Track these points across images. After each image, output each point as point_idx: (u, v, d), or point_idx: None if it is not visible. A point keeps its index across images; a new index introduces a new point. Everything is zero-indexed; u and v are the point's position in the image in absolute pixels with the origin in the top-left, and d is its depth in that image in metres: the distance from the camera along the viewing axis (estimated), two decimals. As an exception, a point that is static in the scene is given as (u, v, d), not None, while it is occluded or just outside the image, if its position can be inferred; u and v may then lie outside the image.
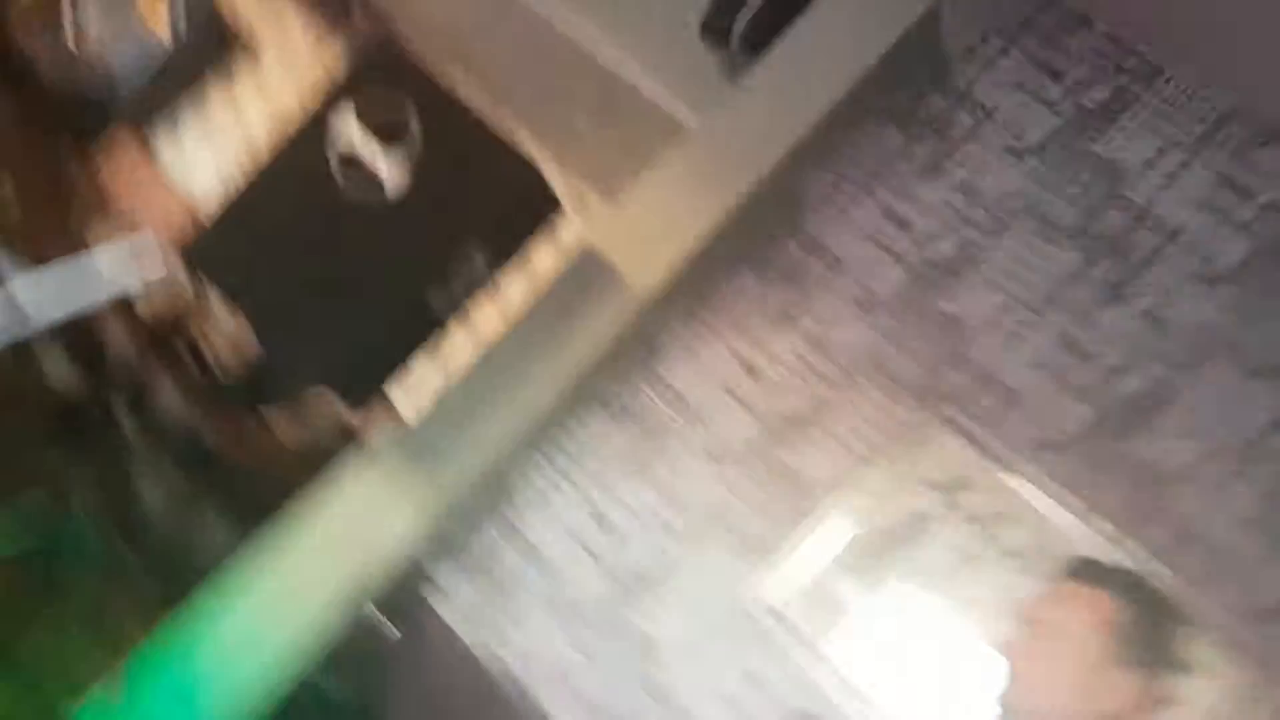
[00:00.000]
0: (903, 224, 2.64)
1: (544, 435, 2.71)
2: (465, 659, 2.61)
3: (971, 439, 2.43)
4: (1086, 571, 1.46)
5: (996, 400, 2.47)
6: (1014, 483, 2.38)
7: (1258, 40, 2.20)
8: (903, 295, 2.59)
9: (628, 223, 2.62)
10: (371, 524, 2.40)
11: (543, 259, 3.24)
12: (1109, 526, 2.27)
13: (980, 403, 2.47)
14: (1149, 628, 1.39)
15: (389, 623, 2.53)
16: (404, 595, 2.59)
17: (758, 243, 2.72)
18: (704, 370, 2.70)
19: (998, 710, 1.38)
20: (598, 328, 2.49)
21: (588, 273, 2.53)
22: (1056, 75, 2.58)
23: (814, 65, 2.50)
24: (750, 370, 2.67)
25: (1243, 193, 2.40)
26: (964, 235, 2.58)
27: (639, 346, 2.72)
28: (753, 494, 2.58)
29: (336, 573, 2.35)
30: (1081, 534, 2.27)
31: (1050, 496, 2.35)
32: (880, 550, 2.43)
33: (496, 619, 2.66)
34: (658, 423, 2.69)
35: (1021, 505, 2.36)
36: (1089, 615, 1.37)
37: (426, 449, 2.46)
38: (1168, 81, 2.49)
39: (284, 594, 2.38)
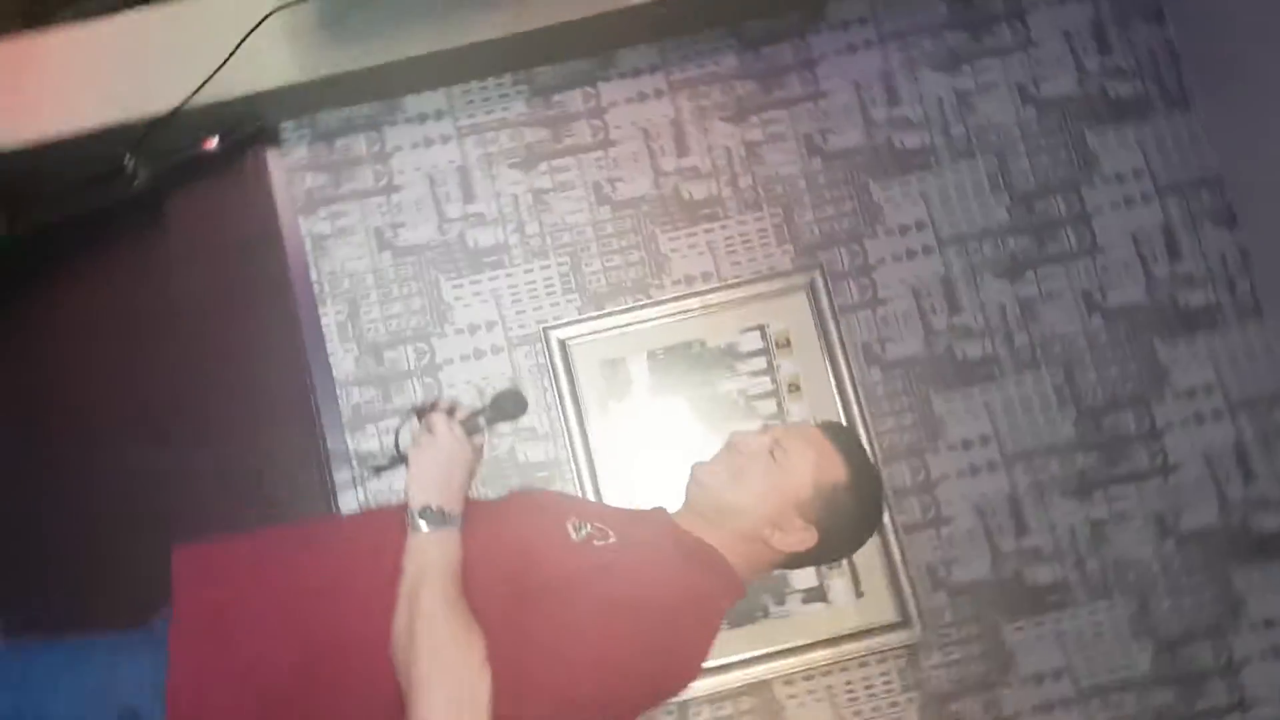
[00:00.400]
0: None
1: (457, 78, 2.60)
2: (265, 213, 2.52)
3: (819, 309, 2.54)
4: (835, 431, 1.57)
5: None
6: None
7: None
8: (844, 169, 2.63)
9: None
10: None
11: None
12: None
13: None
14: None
15: (221, 137, 2.39)
16: (248, 125, 2.45)
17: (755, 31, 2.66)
18: (640, 116, 2.61)
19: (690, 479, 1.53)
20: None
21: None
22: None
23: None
24: (679, 142, 2.61)
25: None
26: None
27: (594, 57, 2.63)
28: (612, 243, 2.57)
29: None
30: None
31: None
32: (677, 358, 2.52)
33: (317, 201, 2.58)
34: (569, 134, 2.60)
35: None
36: (817, 461, 1.46)
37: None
38: None
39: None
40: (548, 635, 1.27)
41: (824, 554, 1.55)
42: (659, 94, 2.64)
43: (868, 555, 2.44)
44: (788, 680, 2.43)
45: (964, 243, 2.60)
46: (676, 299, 2.54)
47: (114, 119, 2.30)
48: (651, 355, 2.52)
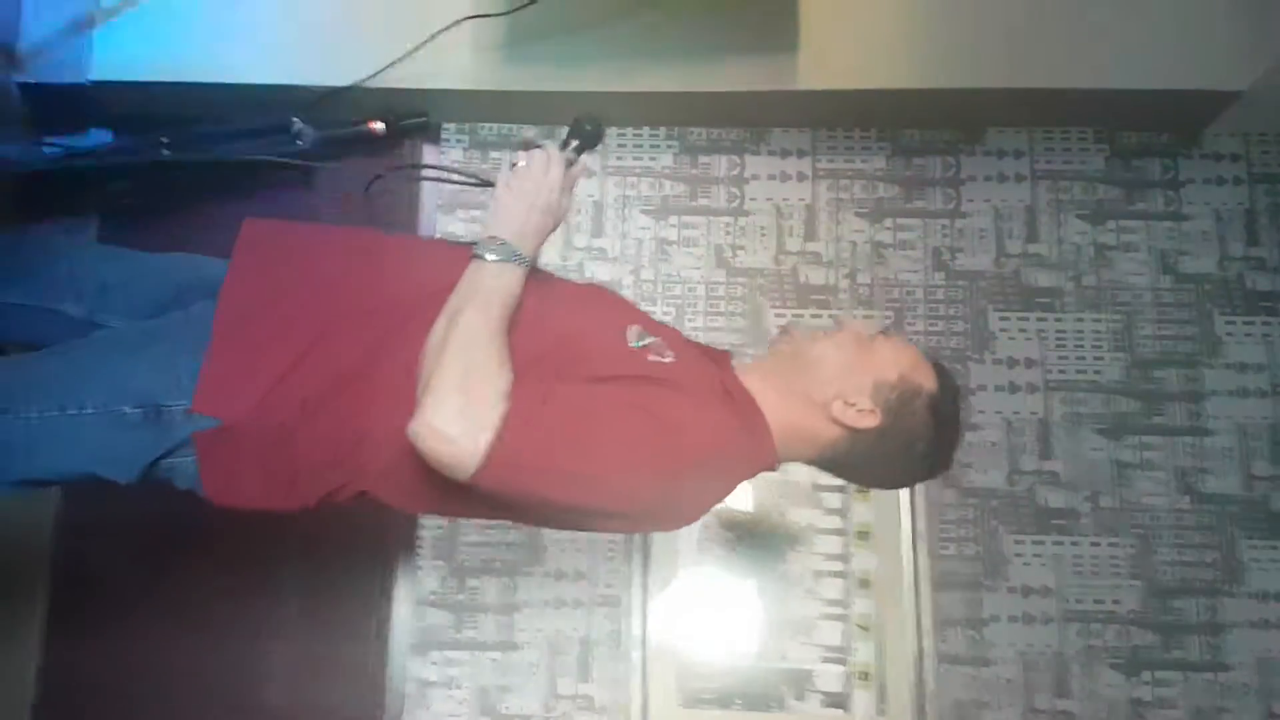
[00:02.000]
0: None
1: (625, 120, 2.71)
2: (409, 202, 2.66)
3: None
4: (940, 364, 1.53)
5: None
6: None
7: None
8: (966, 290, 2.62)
9: None
10: None
11: None
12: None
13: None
14: None
15: (387, 122, 2.52)
16: (415, 117, 2.59)
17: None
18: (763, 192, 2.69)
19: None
20: None
21: None
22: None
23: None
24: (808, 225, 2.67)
25: None
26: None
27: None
28: (720, 305, 2.62)
29: None
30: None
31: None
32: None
33: (455, 204, 2.70)
34: (705, 195, 2.68)
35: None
36: (914, 361, 1.44)
37: None
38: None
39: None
40: (571, 408, 1.23)
41: (871, 460, 1.43)
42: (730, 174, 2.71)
43: (898, 675, 2.38)
44: (786, 778, 2.37)
45: (1071, 391, 2.56)
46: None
47: (291, 80, 2.46)
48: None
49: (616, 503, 1.28)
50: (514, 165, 1.37)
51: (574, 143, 1.44)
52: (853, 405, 1.38)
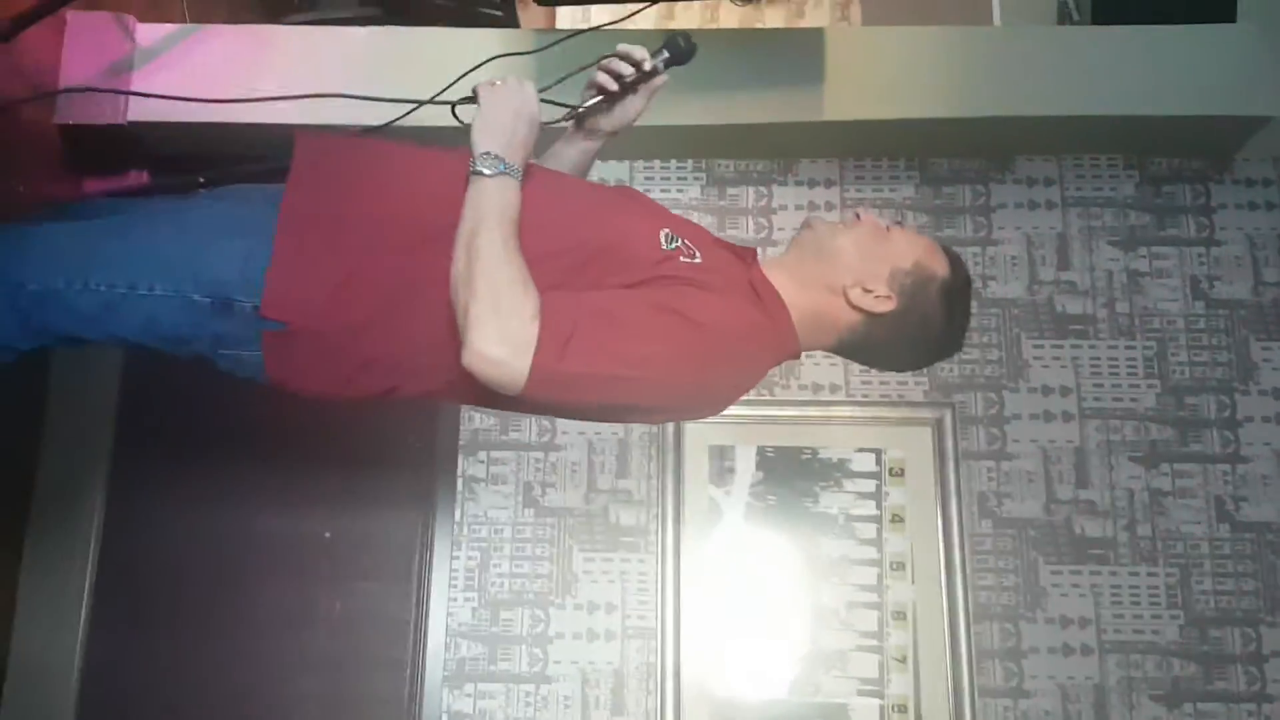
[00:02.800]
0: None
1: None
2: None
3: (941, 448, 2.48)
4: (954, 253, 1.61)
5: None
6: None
7: None
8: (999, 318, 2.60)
9: None
10: None
11: None
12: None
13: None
14: None
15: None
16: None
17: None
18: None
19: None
20: None
21: None
22: None
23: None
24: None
25: None
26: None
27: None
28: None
29: None
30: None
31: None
32: (787, 460, 2.48)
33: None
34: (733, 226, 2.69)
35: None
36: (928, 249, 1.53)
37: None
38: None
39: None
40: (605, 315, 1.31)
41: (888, 343, 1.51)
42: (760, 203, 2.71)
43: (936, 709, 2.36)
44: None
45: (1105, 419, 2.54)
46: (799, 403, 2.56)
47: (326, 120, 2.49)
48: (761, 451, 2.53)
49: (654, 398, 1.38)
50: (492, 83, 1.43)
51: (665, 54, 1.52)
52: (870, 291, 1.46)
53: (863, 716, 2.39)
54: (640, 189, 2.72)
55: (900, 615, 2.44)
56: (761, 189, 2.73)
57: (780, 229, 2.69)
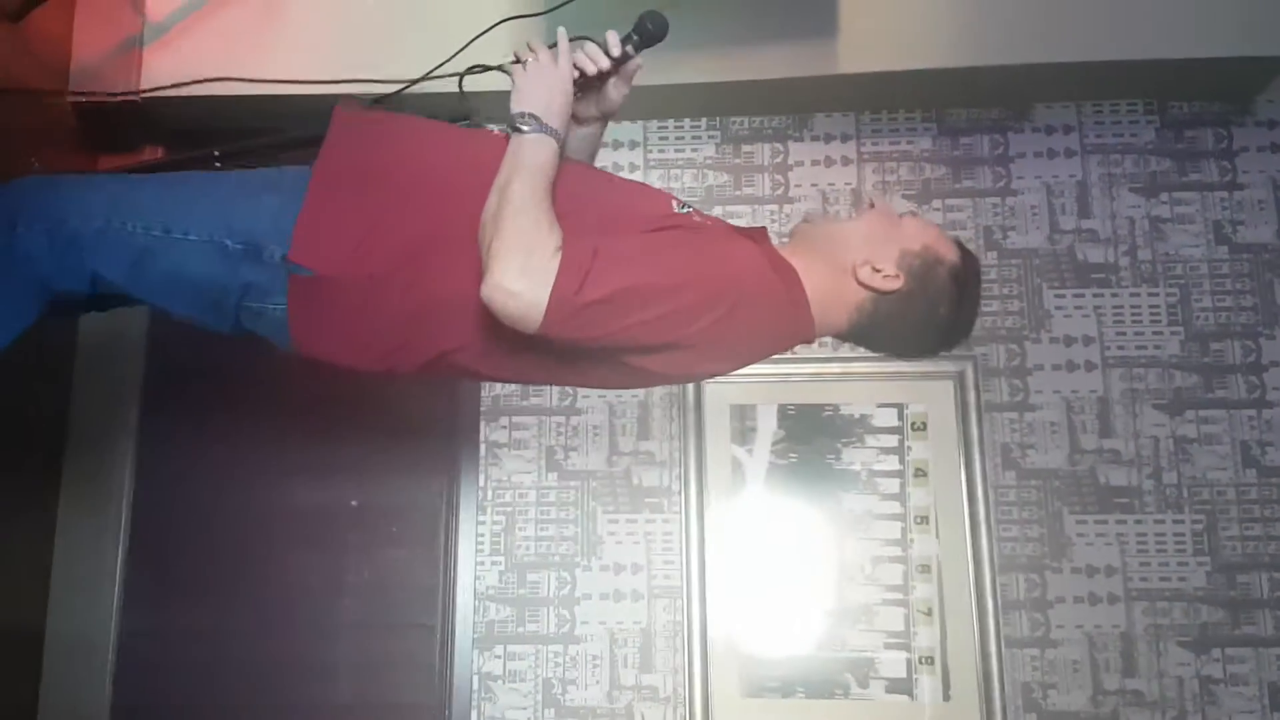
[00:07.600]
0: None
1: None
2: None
3: (964, 401, 2.47)
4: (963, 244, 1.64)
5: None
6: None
7: None
8: (1019, 269, 2.58)
9: None
10: None
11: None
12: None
13: (1003, 389, 2.49)
14: None
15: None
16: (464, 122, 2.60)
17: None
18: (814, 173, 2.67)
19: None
20: None
21: None
22: None
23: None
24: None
25: None
26: (1118, 260, 2.53)
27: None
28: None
29: None
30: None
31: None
32: (808, 417, 2.48)
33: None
34: (749, 184, 2.67)
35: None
36: (937, 236, 1.54)
37: None
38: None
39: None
40: (621, 254, 1.35)
41: (898, 326, 1.52)
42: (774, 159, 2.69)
43: (963, 660, 2.37)
44: (854, 764, 2.37)
45: (1129, 368, 2.53)
46: (819, 360, 2.55)
47: (339, 89, 2.48)
48: (783, 409, 2.54)
49: (668, 333, 1.38)
50: (524, 61, 1.46)
51: (635, 38, 1.51)
52: (879, 271, 1.48)
53: (890, 669, 2.40)
54: (655, 148, 2.72)
55: (925, 568, 2.45)
56: (777, 145, 2.71)
57: (797, 185, 2.68)
